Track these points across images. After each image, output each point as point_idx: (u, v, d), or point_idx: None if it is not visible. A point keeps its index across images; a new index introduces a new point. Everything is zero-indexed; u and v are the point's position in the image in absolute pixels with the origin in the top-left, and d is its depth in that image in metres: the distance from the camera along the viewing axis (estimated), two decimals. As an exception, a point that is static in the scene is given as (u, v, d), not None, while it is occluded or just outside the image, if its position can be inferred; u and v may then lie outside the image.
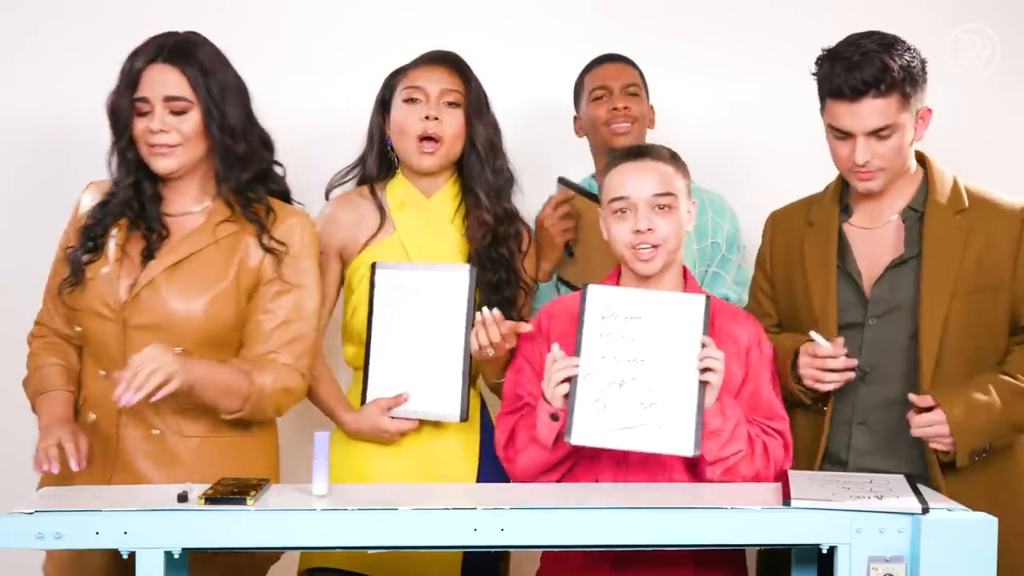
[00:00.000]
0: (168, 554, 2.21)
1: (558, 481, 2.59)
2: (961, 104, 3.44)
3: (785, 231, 2.81)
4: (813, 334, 2.59)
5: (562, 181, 3.12)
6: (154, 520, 2.21)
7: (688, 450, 2.43)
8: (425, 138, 2.85)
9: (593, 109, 3.23)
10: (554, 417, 2.50)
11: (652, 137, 3.19)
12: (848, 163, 2.62)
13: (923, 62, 2.62)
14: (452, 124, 2.86)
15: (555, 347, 2.53)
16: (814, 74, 2.65)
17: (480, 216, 2.87)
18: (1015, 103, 3.59)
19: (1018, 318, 2.65)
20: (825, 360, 2.58)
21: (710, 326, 2.55)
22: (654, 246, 2.59)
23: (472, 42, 3.39)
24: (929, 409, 2.52)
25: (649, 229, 2.58)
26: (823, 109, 2.65)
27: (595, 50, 3.53)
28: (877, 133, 2.58)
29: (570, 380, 2.48)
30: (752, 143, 3.59)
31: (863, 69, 2.54)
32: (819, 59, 2.63)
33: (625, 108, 3.19)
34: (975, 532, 2.22)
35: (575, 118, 3.32)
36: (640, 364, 2.48)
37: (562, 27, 3.57)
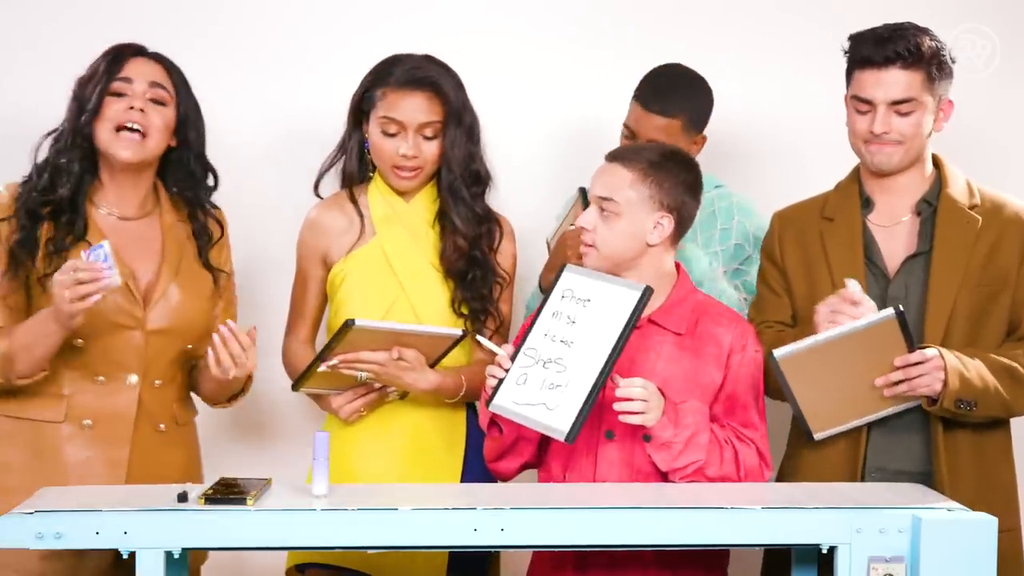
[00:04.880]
0: (168, 554, 2.21)
1: (530, 467, 2.66)
2: (961, 104, 3.44)
3: (797, 228, 2.81)
4: (849, 281, 2.57)
5: (581, 192, 3.12)
6: (154, 520, 2.21)
7: (561, 436, 2.41)
8: (402, 167, 2.86)
9: (621, 142, 3.14)
10: (488, 404, 2.55)
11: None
12: (865, 135, 2.67)
13: (952, 59, 2.69)
14: (430, 153, 2.85)
15: (506, 346, 2.57)
16: (845, 52, 2.71)
17: (455, 241, 2.87)
18: (1015, 103, 3.59)
19: (1015, 321, 2.68)
20: (856, 306, 2.53)
21: (692, 327, 2.58)
22: (588, 245, 2.62)
23: (472, 41, 3.41)
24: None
25: (584, 228, 2.62)
26: (849, 83, 2.71)
27: (595, 49, 3.55)
28: (898, 106, 2.63)
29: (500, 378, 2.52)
30: (751, 143, 3.59)
31: (895, 40, 2.62)
32: (851, 35, 2.70)
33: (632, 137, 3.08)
34: (975, 532, 2.23)
35: None
36: (568, 346, 2.49)
37: (561, 26, 3.57)
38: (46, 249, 2.63)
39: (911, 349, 2.51)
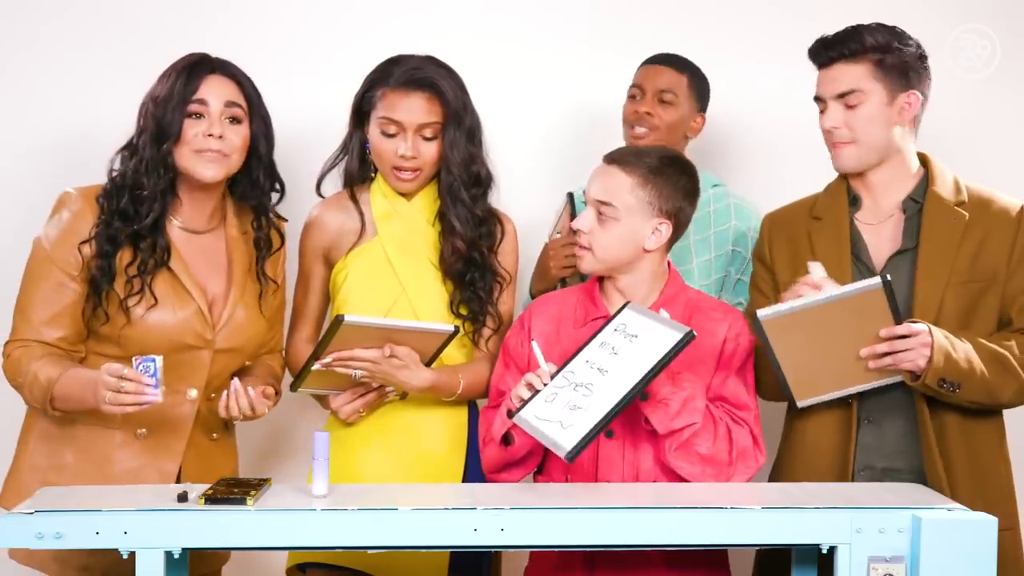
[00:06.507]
0: (168, 554, 2.21)
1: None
2: (961, 104, 3.44)
3: (787, 229, 2.82)
4: (812, 264, 2.59)
5: (569, 197, 3.11)
6: (154, 520, 2.21)
7: (563, 453, 2.39)
8: (401, 168, 2.86)
9: (625, 106, 3.21)
10: (510, 414, 2.53)
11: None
12: (825, 135, 2.71)
13: (919, 55, 2.68)
14: (429, 154, 2.85)
15: (544, 364, 2.54)
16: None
17: (454, 243, 2.87)
18: (1015, 103, 3.59)
19: (1005, 315, 2.68)
20: (817, 289, 2.54)
21: (686, 323, 2.55)
22: (584, 247, 2.63)
23: (472, 42, 3.41)
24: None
25: (579, 230, 2.63)
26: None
27: (596, 50, 3.54)
28: (844, 99, 2.66)
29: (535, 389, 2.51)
30: (750, 143, 3.59)
31: (839, 40, 2.67)
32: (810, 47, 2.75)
33: (647, 113, 3.14)
34: (975, 532, 2.23)
35: None
36: (602, 374, 2.49)
37: (561, 26, 3.57)
38: (126, 274, 2.65)
39: (897, 321, 2.52)
